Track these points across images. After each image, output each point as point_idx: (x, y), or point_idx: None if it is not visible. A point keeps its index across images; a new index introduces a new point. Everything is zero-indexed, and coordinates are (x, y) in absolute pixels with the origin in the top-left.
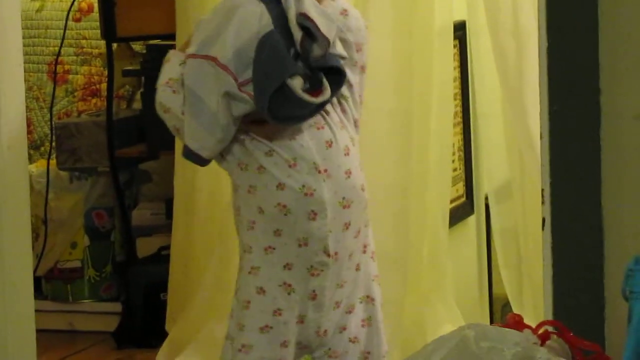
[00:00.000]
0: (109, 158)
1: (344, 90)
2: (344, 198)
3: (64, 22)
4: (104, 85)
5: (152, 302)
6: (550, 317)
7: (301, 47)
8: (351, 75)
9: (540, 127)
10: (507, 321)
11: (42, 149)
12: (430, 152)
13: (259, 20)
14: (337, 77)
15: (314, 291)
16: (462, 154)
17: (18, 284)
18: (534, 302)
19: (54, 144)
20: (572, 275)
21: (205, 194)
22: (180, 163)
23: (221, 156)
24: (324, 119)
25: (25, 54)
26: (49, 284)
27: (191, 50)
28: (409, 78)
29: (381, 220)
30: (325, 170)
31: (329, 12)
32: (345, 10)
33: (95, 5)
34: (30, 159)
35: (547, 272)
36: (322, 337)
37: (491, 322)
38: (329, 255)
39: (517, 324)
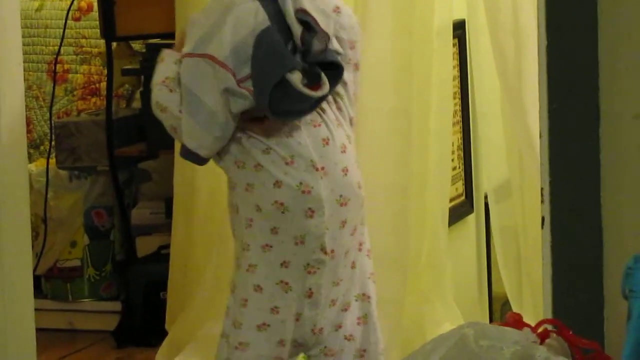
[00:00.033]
0: (109, 157)
1: (339, 88)
2: (341, 196)
3: (64, 21)
4: (103, 85)
5: (152, 301)
6: (549, 316)
7: (302, 42)
8: (345, 73)
9: (540, 126)
10: (507, 320)
11: (42, 148)
12: (429, 151)
13: (255, 17)
14: (334, 72)
15: (310, 289)
16: (461, 152)
17: (18, 283)
18: (533, 301)
19: (53, 143)
20: (572, 273)
21: (205, 193)
22: (180, 162)
23: (218, 155)
24: (321, 116)
25: (25, 53)
26: (49, 283)
27: (187, 49)
28: (408, 77)
29: (381, 219)
30: (323, 168)
31: (324, 9)
32: (338, 8)
33: (95, 4)
34: (30, 158)
35: (546, 270)
36: (318, 335)
37: (490, 320)
38: (325, 253)
39: (517, 322)
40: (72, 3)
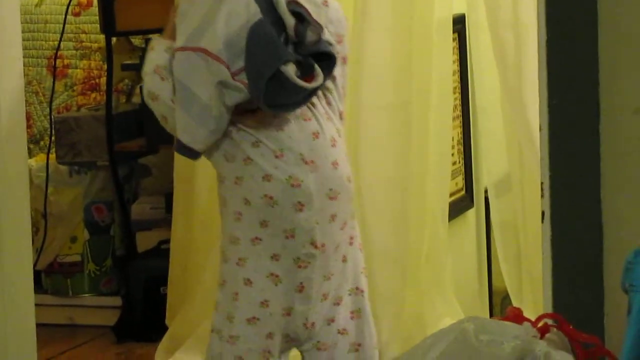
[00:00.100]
0: (109, 152)
1: (328, 83)
2: (330, 189)
3: (64, 16)
4: (103, 80)
5: (152, 296)
6: (549, 310)
7: (295, 33)
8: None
9: (540, 120)
10: (507, 314)
11: (42, 143)
12: (429, 147)
13: (247, 9)
14: (327, 62)
15: (301, 283)
16: (461, 147)
17: (18, 278)
18: (533, 296)
19: (53, 138)
20: (572, 268)
21: (205, 187)
22: (180, 157)
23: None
24: (311, 110)
25: (25, 48)
26: (49, 278)
27: (179, 43)
28: (408, 72)
29: (380, 214)
30: (312, 162)
31: (315, 0)
32: (326, 1)
33: None
34: (30, 153)
35: (546, 265)
36: (310, 330)
37: (491, 315)
38: (316, 247)
39: (517, 317)
40: None
